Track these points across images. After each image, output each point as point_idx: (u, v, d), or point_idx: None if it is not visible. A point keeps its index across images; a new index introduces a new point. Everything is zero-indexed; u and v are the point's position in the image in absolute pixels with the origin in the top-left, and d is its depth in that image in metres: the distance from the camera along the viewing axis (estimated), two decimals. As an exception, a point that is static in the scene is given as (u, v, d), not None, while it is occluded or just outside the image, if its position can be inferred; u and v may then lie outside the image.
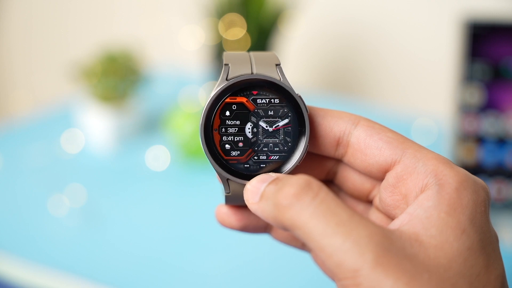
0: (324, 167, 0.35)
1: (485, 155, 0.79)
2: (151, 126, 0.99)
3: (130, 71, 0.92)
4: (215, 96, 0.32)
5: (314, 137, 0.33)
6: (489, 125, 0.79)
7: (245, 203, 0.31)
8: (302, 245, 0.36)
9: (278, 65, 0.33)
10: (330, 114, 0.33)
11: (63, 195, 0.80)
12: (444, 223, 0.27)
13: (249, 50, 0.91)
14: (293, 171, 0.33)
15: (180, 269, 0.68)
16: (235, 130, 0.33)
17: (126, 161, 0.90)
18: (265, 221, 0.35)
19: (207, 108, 0.32)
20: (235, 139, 0.33)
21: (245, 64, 0.33)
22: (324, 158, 0.35)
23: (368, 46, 1.18)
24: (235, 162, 0.33)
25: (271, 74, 0.33)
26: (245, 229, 0.36)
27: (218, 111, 0.33)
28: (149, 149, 0.91)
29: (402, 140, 0.31)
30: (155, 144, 0.92)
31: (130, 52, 0.93)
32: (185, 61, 1.27)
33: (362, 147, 0.32)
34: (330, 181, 0.36)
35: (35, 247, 0.71)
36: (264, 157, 0.33)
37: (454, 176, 0.29)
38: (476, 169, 0.78)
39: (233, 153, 0.33)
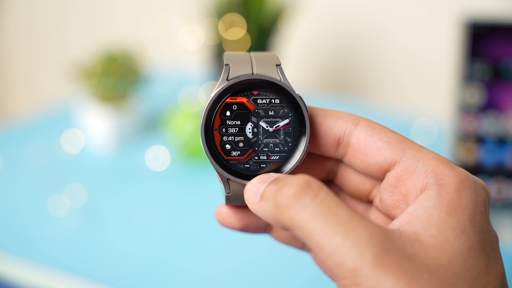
0: (324, 167, 0.35)
1: (485, 155, 0.79)
2: (151, 126, 0.99)
3: (130, 71, 0.92)
4: (215, 96, 0.32)
5: (314, 137, 0.33)
6: (489, 125, 0.79)
7: (245, 203, 0.32)
8: (302, 245, 0.36)
9: (278, 65, 0.33)
10: (330, 114, 0.33)
11: (63, 195, 0.80)
12: (444, 223, 0.27)
13: (249, 50, 0.91)
14: (293, 171, 0.33)
15: (180, 269, 0.68)
16: (235, 130, 0.33)
17: (126, 161, 0.90)
18: (265, 221, 0.35)
19: (208, 108, 0.33)
20: (236, 139, 0.33)
21: (245, 65, 0.33)
22: (324, 158, 0.35)
23: (368, 46, 1.18)
24: (236, 162, 0.33)
25: (272, 74, 0.33)
26: (245, 229, 0.36)
27: (219, 111, 0.33)
28: (149, 149, 0.91)
29: (402, 140, 0.31)
30: (155, 144, 0.92)
31: (130, 52, 0.94)
32: (185, 61, 1.27)
33: (362, 147, 0.32)
34: (330, 181, 0.36)
35: (35, 247, 0.71)
36: (265, 157, 0.33)
37: (454, 176, 0.29)
38: (476, 169, 0.78)
39: (234, 153, 0.33)
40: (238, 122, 0.33)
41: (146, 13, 1.36)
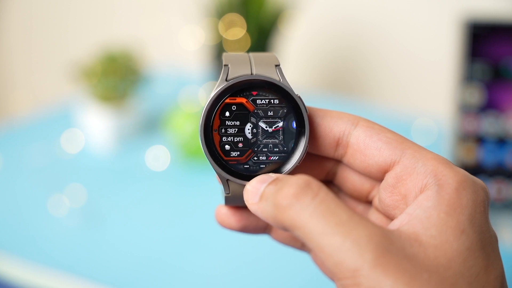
0: (323, 167, 0.35)
1: (485, 155, 0.79)
2: (151, 126, 0.99)
3: (130, 71, 0.92)
4: (215, 97, 0.32)
5: (313, 138, 0.33)
6: (489, 125, 0.79)
7: (244, 203, 0.32)
8: (301, 246, 0.36)
9: (277, 65, 0.33)
10: (329, 114, 0.33)
11: (63, 195, 0.80)
12: (443, 223, 0.27)
13: (249, 50, 0.91)
14: (292, 172, 0.33)
15: (180, 269, 0.68)
16: (234, 130, 0.33)
17: (126, 161, 0.90)
18: (264, 221, 0.35)
19: (207, 109, 0.33)
20: (235, 140, 0.33)
21: (244, 65, 0.33)
22: (324, 158, 0.35)
23: (368, 46, 1.18)
24: (235, 162, 0.33)
25: (271, 74, 0.33)
26: (245, 229, 0.36)
27: (218, 112, 0.33)
28: (149, 149, 0.91)
29: (401, 140, 0.31)
30: (155, 144, 0.92)
31: (130, 52, 0.94)
32: (185, 61, 1.27)
33: (362, 147, 0.32)
34: (329, 182, 0.36)
35: (35, 247, 0.71)
36: (264, 158, 0.33)
37: (453, 177, 0.29)
38: (476, 169, 0.78)
39: (233, 153, 0.33)
40: (237, 123, 0.33)
41: (146, 13, 1.36)
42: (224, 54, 0.34)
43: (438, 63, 1.10)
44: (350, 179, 0.34)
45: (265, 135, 0.33)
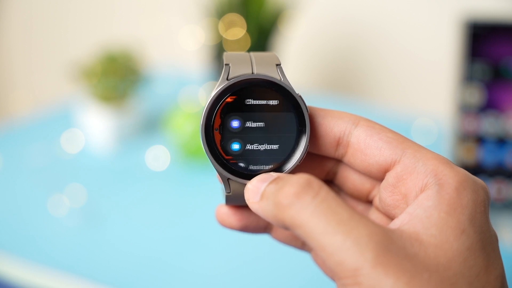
0: (324, 167, 0.35)
1: (485, 155, 0.79)
2: (151, 126, 0.99)
3: (130, 71, 0.92)
4: (215, 96, 0.32)
5: (314, 137, 0.33)
6: (489, 125, 0.79)
7: (245, 203, 0.32)
8: (302, 245, 0.36)
9: (278, 65, 0.33)
10: (330, 114, 0.33)
11: (63, 195, 0.80)
12: (444, 222, 0.27)
13: (249, 50, 0.91)
14: (293, 171, 0.33)
15: (180, 269, 0.68)
16: (235, 129, 0.33)
17: (126, 161, 0.90)
18: (265, 221, 0.35)
19: (208, 108, 0.32)
20: (236, 139, 0.33)
21: (245, 64, 0.33)
22: (324, 158, 0.35)
23: (368, 46, 1.18)
24: (236, 161, 0.33)
25: (272, 74, 0.33)
26: (245, 229, 0.36)
27: (219, 111, 0.33)
28: (149, 149, 0.91)
29: (402, 140, 0.31)
30: (155, 144, 0.92)
31: (130, 52, 0.94)
32: (185, 61, 1.27)
33: (362, 147, 0.32)
34: (330, 181, 0.36)
35: (35, 247, 0.71)
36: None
37: (454, 176, 0.29)
38: (476, 169, 0.78)
39: (234, 152, 0.33)
40: (238, 122, 0.33)
41: (146, 13, 1.36)
42: (224, 53, 0.34)
43: (438, 63, 1.10)
44: (351, 179, 0.34)
45: (265, 134, 0.33)
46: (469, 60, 0.78)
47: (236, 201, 0.34)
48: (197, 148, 0.86)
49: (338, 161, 0.35)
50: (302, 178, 0.29)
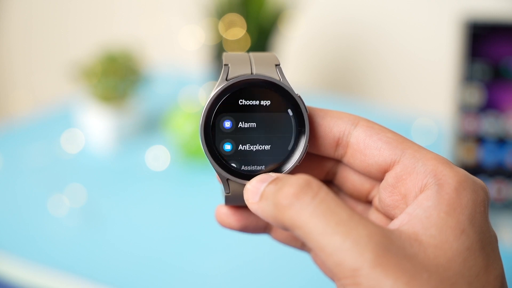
0: (323, 167, 0.35)
1: (485, 155, 0.79)
2: (151, 126, 0.99)
3: (130, 71, 0.92)
4: (215, 96, 0.32)
5: (313, 138, 0.33)
6: (489, 125, 0.79)
7: (245, 203, 0.31)
8: (301, 245, 0.36)
9: (277, 65, 0.33)
10: (329, 114, 0.33)
11: (63, 195, 0.80)
12: (443, 223, 0.27)
13: (249, 50, 0.91)
14: (292, 171, 0.33)
15: (180, 269, 0.68)
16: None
17: (126, 161, 0.90)
18: (264, 221, 0.35)
19: (207, 108, 0.32)
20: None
21: (244, 65, 0.33)
22: (324, 158, 0.35)
23: (368, 46, 1.18)
24: (232, 162, 0.33)
25: (271, 74, 0.33)
26: (245, 229, 0.36)
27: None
28: (149, 149, 0.91)
29: (401, 140, 0.31)
30: (155, 144, 0.92)
31: (130, 52, 0.94)
32: (185, 61, 1.27)
33: (362, 147, 0.32)
34: (329, 182, 0.36)
35: (35, 247, 0.71)
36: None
37: (453, 176, 0.29)
38: (476, 169, 0.78)
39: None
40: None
41: (146, 13, 1.36)
42: (224, 53, 0.34)
43: (438, 63, 1.10)
44: (350, 179, 0.34)
45: (266, 135, 0.33)
46: (469, 60, 0.78)
47: (236, 202, 0.34)
48: (197, 148, 0.86)
49: (338, 161, 0.35)
50: (301, 178, 0.29)
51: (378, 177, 0.32)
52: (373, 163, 0.32)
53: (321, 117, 0.33)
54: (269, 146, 0.33)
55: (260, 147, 0.33)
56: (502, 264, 0.28)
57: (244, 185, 0.32)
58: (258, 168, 0.33)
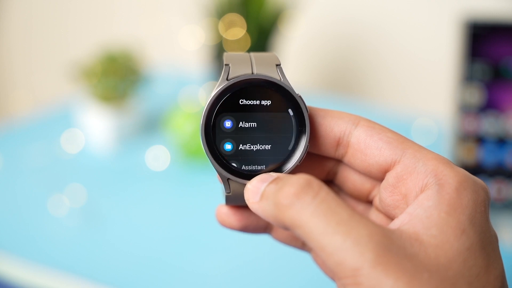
0: (324, 167, 0.35)
1: (485, 155, 0.79)
2: (151, 126, 0.99)
3: (130, 71, 0.92)
4: (215, 96, 0.32)
5: (314, 137, 0.33)
6: (489, 125, 0.79)
7: (245, 203, 0.31)
8: (302, 245, 0.36)
9: (278, 65, 0.33)
10: (330, 114, 0.33)
11: (63, 195, 0.80)
12: (444, 222, 0.27)
13: (249, 50, 0.91)
14: (293, 171, 0.33)
15: (180, 269, 0.68)
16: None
17: (126, 161, 0.90)
18: (265, 221, 0.35)
19: (208, 108, 0.32)
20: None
21: (245, 64, 0.33)
22: (324, 158, 0.35)
23: (368, 46, 1.18)
24: (233, 161, 0.33)
25: (272, 74, 0.33)
26: (245, 229, 0.36)
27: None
28: (149, 149, 0.91)
29: (402, 140, 0.31)
30: (155, 144, 0.92)
31: (130, 52, 0.94)
32: (185, 61, 1.27)
33: (362, 147, 0.32)
34: (330, 181, 0.36)
35: (35, 247, 0.71)
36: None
37: (454, 176, 0.29)
38: (476, 169, 0.78)
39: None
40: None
41: (146, 13, 1.36)
42: (225, 53, 0.34)
43: (438, 63, 1.10)
44: (351, 179, 0.34)
45: (266, 134, 0.33)
46: (469, 60, 0.78)
47: (236, 201, 0.34)
48: (197, 148, 0.86)
49: (338, 161, 0.35)
50: (302, 178, 0.29)
51: (378, 177, 0.32)
52: (374, 163, 0.32)
53: (322, 117, 0.33)
54: (270, 145, 0.33)
55: (261, 147, 0.33)
56: (503, 264, 0.28)
57: (245, 184, 0.32)
58: (259, 167, 0.33)
